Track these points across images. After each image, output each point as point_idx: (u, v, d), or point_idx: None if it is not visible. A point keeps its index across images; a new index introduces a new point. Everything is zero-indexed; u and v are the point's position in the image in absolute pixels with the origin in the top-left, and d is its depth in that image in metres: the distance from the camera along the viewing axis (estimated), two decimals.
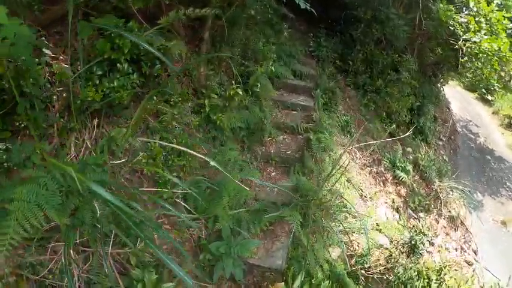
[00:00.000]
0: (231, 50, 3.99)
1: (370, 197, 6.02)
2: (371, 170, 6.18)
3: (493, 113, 12.01)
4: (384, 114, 7.48)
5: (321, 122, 5.06)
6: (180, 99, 3.05)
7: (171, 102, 3.02)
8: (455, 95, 12.87)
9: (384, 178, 6.41)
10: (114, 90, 2.30)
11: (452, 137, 9.98)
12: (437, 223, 6.94)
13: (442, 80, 9.73)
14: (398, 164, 6.40)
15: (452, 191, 7.33)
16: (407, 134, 5.97)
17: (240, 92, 3.52)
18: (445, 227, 7.02)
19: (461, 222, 7.16)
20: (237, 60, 4.29)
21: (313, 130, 4.86)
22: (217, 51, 3.77)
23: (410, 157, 7.25)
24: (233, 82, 3.88)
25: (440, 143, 9.49)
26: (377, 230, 5.57)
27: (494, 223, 7.55)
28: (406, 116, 7.94)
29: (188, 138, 3.27)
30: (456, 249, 6.66)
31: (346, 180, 5.64)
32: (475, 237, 7.08)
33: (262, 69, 4.36)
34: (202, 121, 3.67)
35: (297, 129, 4.83)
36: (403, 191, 6.67)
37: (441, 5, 6.73)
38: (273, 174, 4.36)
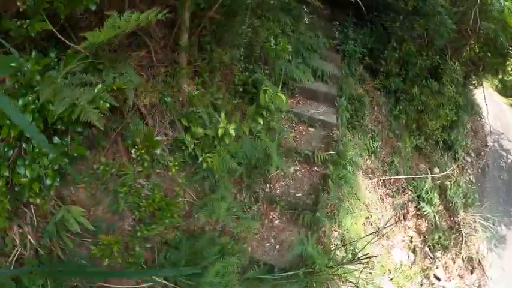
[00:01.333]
0: (229, 52, 2.71)
1: (386, 236, 5.12)
2: (393, 201, 5.20)
3: None
4: (414, 125, 6.26)
5: (344, 149, 3.91)
6: (145, 147, 1.93)
7: (132, 154, 1.92)
8: (487, 100, 11.46)
9: (405, 211, 5.45)
10: None
11: (482, 153, 8.86)
12: (454, 263, 6.13)
13: (475, 82, 8.35)
14: (424, 196, 5.39)
15: (475, 223, 6.48)
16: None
17: (233, 132, 2.36)
18: (460, 268, 6.26)
19: (479, 262, 6.40)
20: (239, 66, 3.02)
21: (333, 162, 3.73)
22: (209, 56, 2.52)
23: (437, 183, 6.20)
24: (232, 96, 2.68)
25: (469, 159, 8.38)
26: (389, 279, 4.76)
27: None
28: (438, 129, 6.74)
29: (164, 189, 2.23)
30: None
31: (365, 218, 4.69)
32: (491, 281, 6.39)
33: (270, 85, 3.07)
34: (187, 158, 2.56)
35: (313, 159, 3.70)
36: (423, 226, 5.74)
37: (507, 3, 5.15)
38: (276, 222, 3.33)
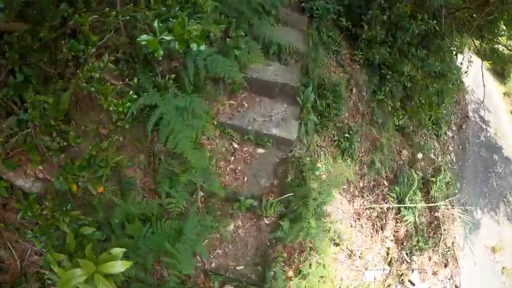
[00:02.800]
0: None
1: (360, 255, 4.21)
2: (370, 214, 4.19)
3: (504, 93, 10.08)
4: (399, 104, 4.98)
5: (307, 186, 2.56)
6: None
7: None
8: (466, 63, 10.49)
9: (384, 221, 4.51)
10: None
11: (464, 125, 8.11)
12: (430, 260, 5.63)
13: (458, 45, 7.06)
14: (407, 202, 4.43)
15: (454, 215, 5.89)
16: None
17: None
18: (435, 263, 5.79)
19: (454, 253, 5.99)
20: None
21: (291, 213, 2.37)
22: None
23: (420, 176, 5.25)
24: None
25: (451, 134, 7.59)
26: None
27: (485, 249, 6.56)
28: (423, 105, 5.56)
29: None
30: None
31: (334, 244, 3.63)
32: (463, 268, 6.10)
33: None
34: None
35: (261, 209, 2.32)
36: (402, 232, 4.92)
37: None
38: None
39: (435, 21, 4.52)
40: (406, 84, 4.72)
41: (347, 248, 3.81)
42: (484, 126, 8.73)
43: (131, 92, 1.97)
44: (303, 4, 4.08)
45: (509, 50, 7.49)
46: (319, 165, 3.09)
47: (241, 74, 2.52)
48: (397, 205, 4.36)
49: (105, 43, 1.95)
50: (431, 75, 5.11)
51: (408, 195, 4.30)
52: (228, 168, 2.68)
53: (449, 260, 5.86)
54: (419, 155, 5.63)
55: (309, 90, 3.09)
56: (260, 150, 2.81)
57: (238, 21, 3.35)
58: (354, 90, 3.96)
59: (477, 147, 8.03)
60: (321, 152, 3.42)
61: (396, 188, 4.23)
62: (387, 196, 4.28)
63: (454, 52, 5.38)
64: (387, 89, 4.14)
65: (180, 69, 2.39)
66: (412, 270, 5.19)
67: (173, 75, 2.32)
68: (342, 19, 4.19)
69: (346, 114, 3.63)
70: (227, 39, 3.02)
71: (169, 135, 1.97)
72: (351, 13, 4.43)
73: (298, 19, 3.99)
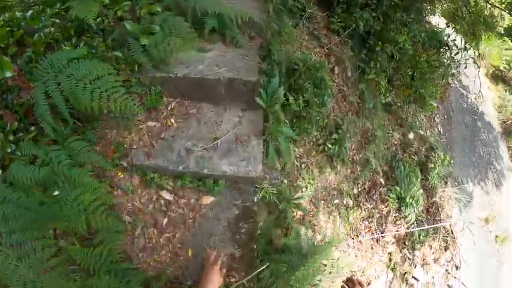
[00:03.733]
0: None
1: (361, 274, 3.42)
2: (369, 224, 3.35)
3: (478, 56, 9.60)
4: (385, 79, 4.01)
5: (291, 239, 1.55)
6: None
7: None
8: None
9: (384, 226, 3.72)
10: None
11: (447, 93, 7.55)
12: (431, 249, 5.10)
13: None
14: (408, 200, 3.65)
15: (450, 197, 5.35)
16: None
17: None
18: (436, 250, 5.29)
19: (451, 232, 5.54)
20: None
21: None
22: None
23: (415, 159, 4.48)
24: None
25: (434, 104, 7.07)
26: None
27: (479, 221, 6.26)
28: (408, 76, 4.68)
29: None
30: (440, 276, 5.23)
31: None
32: (461, 245, 5.73)
33: None
34: None
35: None
36: (403, 230, 4.23)
37: None
38: None
39: None
40: (394, 56, 3.74)
41: (348, 273, 2.96)
42: (465, 93, 8.26)
43: None
44: None
45: (473, 12, 6.66)
46: (300, 193, 2.08)
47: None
48: (397, 205, 3.56)
49: None
50: (421, 45, 4.20)
51: (410, 193, 3.50)
52: (161, 239, 1.59)
53: (448, 242, 5.36)
54: (411, 135, 4.86)
55: (275, 83, 1.96)
56: (206, 200, 1.72)
57: None
58: (337, 71, 2.90)
59: (461, 115, 7.58)
60: (302, 165, 2.40)
61: (397, 187, 3.39)
62: (386, 198, 3.44)
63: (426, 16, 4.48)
64: (378, 65, 3.12)
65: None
66: (415, 265, 4.59)
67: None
68: None
69: (331, 107, 2.59)
70: (126, 23, 1.78)
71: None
72: None
73: None
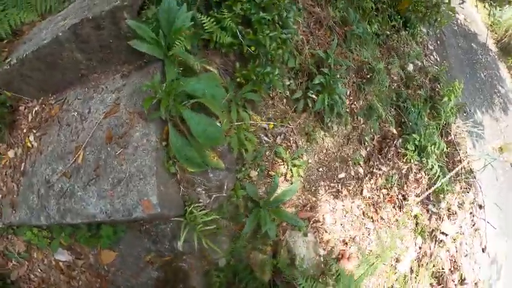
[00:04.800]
0: None
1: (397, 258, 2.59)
2: (388, 192, 2.44)
3: None
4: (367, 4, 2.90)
5: None
6: None
7: None
8: None
9: (405, 187, 2.85)
10: None
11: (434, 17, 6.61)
12: (453, 194, 4.39)
13: None
14: (429, 148, 2.73)
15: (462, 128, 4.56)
16: None
17: None
18: (459, 194, 4.61)
19: (473, 176, 4.85)
20: None
21: None
22: None
23: (422, 93, 3.54)
24: None
25: (424, 30, 6.15)
26: None
27: (494, 152, 5.61)
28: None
29: None
30: (467, 222, 4.60)
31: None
32: (480, 182, 5.10)
33: None
34: None
35: None
36: (425, 184, 3.42)
37: None
38: None
39: None
40: None
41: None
42: (452, 13, 7.32)
43: None
44: None
45: None
46: (282, 189, 1.12)
47: None
48: (418, 158, 2.66)
49: None
50: None
51: (431, 139, 2.59)
52: None
53: (470, 182, 4.63)
54: (410, 67, 3.90)
55: (169, 0, 0.89)
56: (108, 257, 0.92)
57: None
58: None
59: (454, 38, 6.68)
60: (278, 139, 1.41)
61: (414, 135, 2.46)
62: (404, 152, 2.52)
63: None
64: None
65: None
66: (442, 219, 3.84)
67: None
68: None
69: (303, 37, 1.54)
70: None
71: None
72: None
73: None
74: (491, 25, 7.88)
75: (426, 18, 3.19)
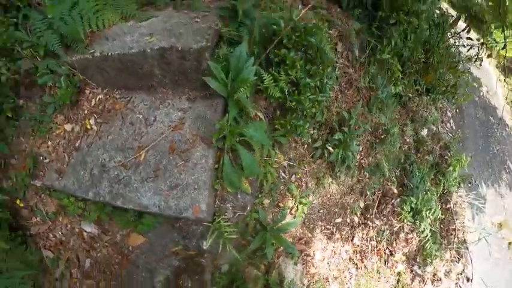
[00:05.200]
0: None
1: None
2: (377, 245, 2.63)
3: (488, 46, 8.88)
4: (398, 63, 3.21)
5: None
6: None
7: None
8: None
9: (394, 244, 3.03)
10: None
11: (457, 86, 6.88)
12: (442, 261, 4.46)
13: None
14: (424, 212, 2.94)
15: (464, 202, 4.68)
16: None
17: None
18: (447, 262, 4.66)
19: (466, 247, 4.90)
20: None
21: None
22: None
23: (429, 160, 3.77)
24: None
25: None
26: None
27: (493, 227, 5.65)
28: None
29: None
30: None
31: None
32: (472, 254, 5.11)
33: None
34: None
35: None
36: (414, 245, 3.56)
37: None
38: None
39: None
40: (408, 36, 2.97)
41: None
42: (476, 85, 7.57)
43: None
44: None
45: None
46: (287, 220, 1.37)
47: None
48: (412, 219, 2.85)
49: None
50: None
51: (427, 204, 2.80)
52: (85, 285, 0.92)
53: (461, 252, 4.69)
54: (424, 131, 4.13)
55: (241, 52, 1.21)
56: (136, 241, 1.10)
57: None
58: (340, 48, 2.14)
59: (474, 108, 6.88)
60: (292, 178, 1.67)
61: (412, 198, 2.68)
62: (399, 211, 2.73)
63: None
64: (393, 42, 2.35)
65: None
66: (425, 282, 3.92)
67: None
68: None
69: (333, 95, 1.84)
70: None
71: None
72: None
73: None
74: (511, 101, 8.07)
75: (446, 95, 3.47)
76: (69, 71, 1.36)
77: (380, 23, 2.47)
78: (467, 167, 5.22)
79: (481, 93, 7.36)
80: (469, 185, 5.34)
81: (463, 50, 4.70)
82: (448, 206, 4.30)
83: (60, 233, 1.38)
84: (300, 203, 1.71)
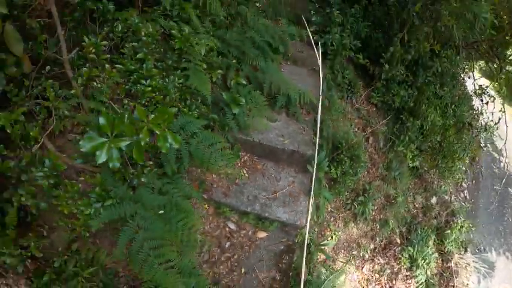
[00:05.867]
0: None
1: None
2: (380, 278, 3.68)
3: None
4: (414, 147, 4.38)
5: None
6: None
7: None
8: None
9: (393, 282, 4.01)
10: None
11: (477, 157, 7.52)
12: None
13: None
14: (420, 261, 3.94)
15: (468, 264, 5.38)
16: None
17: None
18: None
19: None
20: None
21: None
22: None
23: (434, 223, 4.75)
24: None
25: (464, 167, 7.08)
26: None
27: None
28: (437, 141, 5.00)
29: None
30: None
31: None
32: None
33: None
34: None
35: None
36: None
37: None
38: None
39: (458, 57, 4.01)
40: (424, 126, 4.19)
41: None
42: (497, 156, 8.10)
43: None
44: (315, 38, 3.52)
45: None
46: (327, 241, 2.60)
47: (235, 157, 2.00)
48: (409, 265, 3.86)
49: None
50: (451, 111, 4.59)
51: (423, 255, 3.80)
52: (222, 257, 2.20)
53: None
54: (434, 200, 5.11)
55: (322, 156, 2.56)
56: (261, 235, 2.31)
57: (240, 63, 2.83)
58: (371, 141, 3.44)
59: (491, 180, 7.43)
60: (331, 219, 2.91)
61: (410, 248, 3.73)
62: (399, 256, 3.78)
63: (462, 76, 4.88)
64: (407, 138, 3.60)
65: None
66: None
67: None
68: (358, 56, 3.64)
69: (362, 177, 3.11)
70: (223, 94, 2.49)
71: (144, 265, 1.47)
72: (368, 48, 3.88)
73: (310, 56, 3.45)
74: None
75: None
76: (236, 141, 2.68)
77: (401, 124, 3.75)
78: (476, 234, 5.99)
79: (502, 165, 7.82)
80: (477, 250, 5.93)
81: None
82: (449, 264, 5.10)
83: (209, 225, 2.65)
84: (334, 234, 2.94)
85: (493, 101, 4.79)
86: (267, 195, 2.37)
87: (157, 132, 1.51)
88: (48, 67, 1.82)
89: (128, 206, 1.62)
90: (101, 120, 1.46)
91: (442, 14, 3.48)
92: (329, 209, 2.87)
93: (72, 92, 1.86)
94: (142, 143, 1.51)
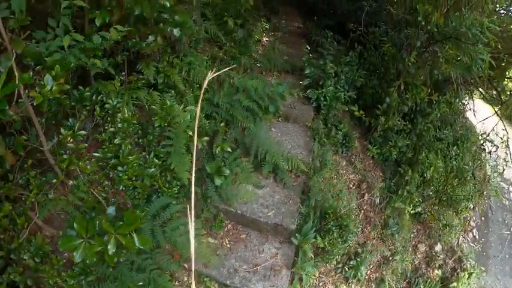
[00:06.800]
0: None
1: None
2: None
3: None
4: (416, 194, 4.23)
5: None
6: None
7: None
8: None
9: None
10: None
11: (485, 191, 7.20)
12: None
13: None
14: None
15: None
16: None
17: None
18: None
19: None
20: None
21: None
22: None
23: (438, 273, 4.52)
24: None
25: (471, 205, 6.79)
26: None
27: None
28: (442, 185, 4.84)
29: None
30: None
31: None
32: None
33: None
34: None
35: None
36: None
37: None
38: None
39: (457, 100, 3.94)
40: (425, 175, 4.06)
41: None
42: (506, 186, 7.74)
43: None
44: (308, 93, 3.51)
45: None
46: None
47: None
48: None
49: None
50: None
51: None
52: None
53: None
54: (438, 247, 4.88)
55: (309, 227, 2.50)
56: None
57: (228, 126, 2.84)
58: (366, 197, 3.34)
59: (501, 213, 7.09)
60: (320, 284, 2.81)
61: None
62: None
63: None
64: (405, 193, 3.49)
65: None
66: None
67: None
68: (353, 108, 3.60)
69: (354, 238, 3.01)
70: (207, 166, 2.49)
71: None
72: (364, 95, 3.84)
73: (303, 110, 3.43)
74: None
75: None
76: (219, 212, 2.71)
77: (399, 177, 3.64)
78: (489, 277, 5.64)
79: (511, 195, 7.49)
80: None
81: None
82: None
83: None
84: None
85: (495, 150, 4.62)
86: (248, 268, 2.32)
87: (123, 242, 1.51)
88: (30, 161, 1.89)
89: (108, 284, 1.76)
90: (75, 225, 1.52)
91: (439, 61, 3.44)
92: (317, 275, 2.77)
93: (54, 181, 1.91)
94: (111, 252, 1.52)
